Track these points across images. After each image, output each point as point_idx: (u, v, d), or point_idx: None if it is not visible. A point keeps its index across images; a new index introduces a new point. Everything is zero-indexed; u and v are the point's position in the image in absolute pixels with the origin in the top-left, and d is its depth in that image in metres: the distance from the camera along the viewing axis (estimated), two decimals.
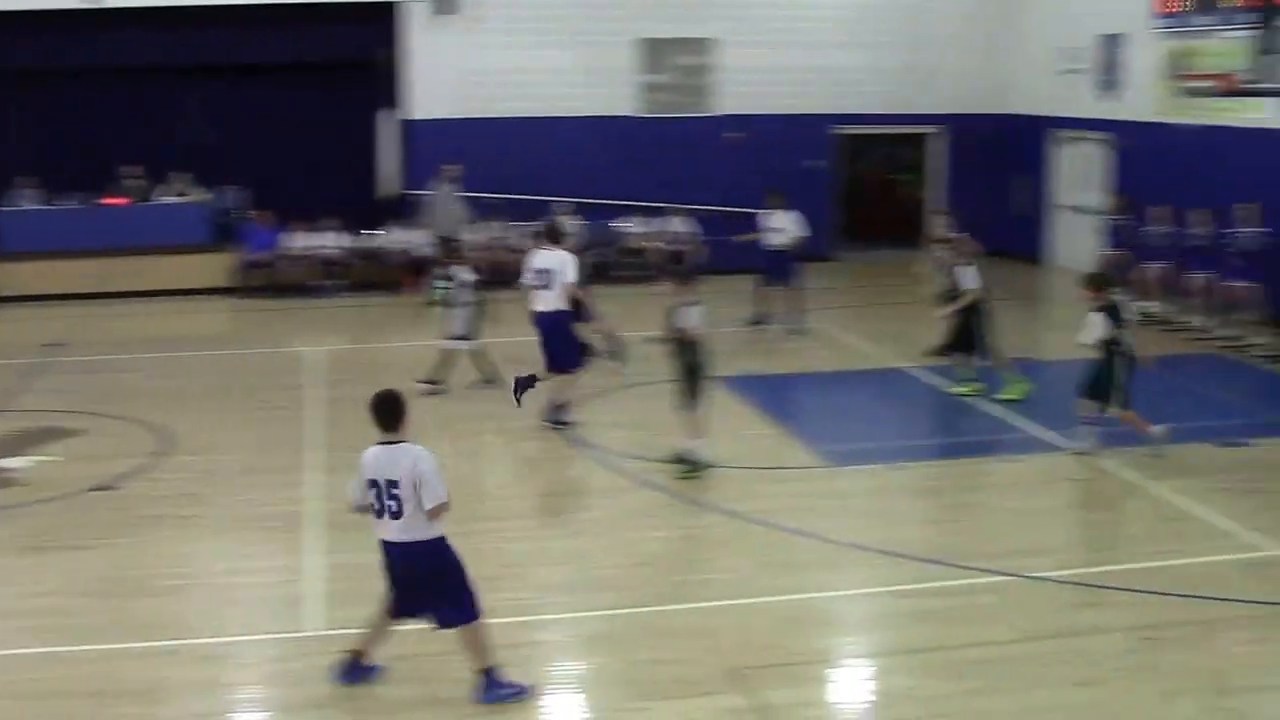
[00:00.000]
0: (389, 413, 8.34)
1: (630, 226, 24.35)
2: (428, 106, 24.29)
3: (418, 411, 9.16)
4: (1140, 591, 10.11)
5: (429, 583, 8.38)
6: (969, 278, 15.47)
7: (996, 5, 26.56)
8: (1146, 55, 22.38)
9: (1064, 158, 25.51)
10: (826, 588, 10.42)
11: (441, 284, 16.34)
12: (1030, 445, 14.02)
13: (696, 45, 25.28)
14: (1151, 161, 22.12)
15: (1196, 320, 19.37)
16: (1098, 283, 13.60)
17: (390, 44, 24.32)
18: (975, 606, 9.96)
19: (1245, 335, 18.50)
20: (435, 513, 8.20)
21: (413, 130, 24.39)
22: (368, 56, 24.14)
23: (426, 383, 15.78)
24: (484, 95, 24.40)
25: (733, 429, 14.37)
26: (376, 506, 8.25)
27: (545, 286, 14.50)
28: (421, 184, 23.98)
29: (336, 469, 12.93)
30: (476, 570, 8.64)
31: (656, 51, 25.14)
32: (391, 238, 23.61)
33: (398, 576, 8.46)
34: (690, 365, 12.79)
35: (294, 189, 23.61)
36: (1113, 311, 13.23)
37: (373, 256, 23.67)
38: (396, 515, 8.20)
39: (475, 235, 22.86)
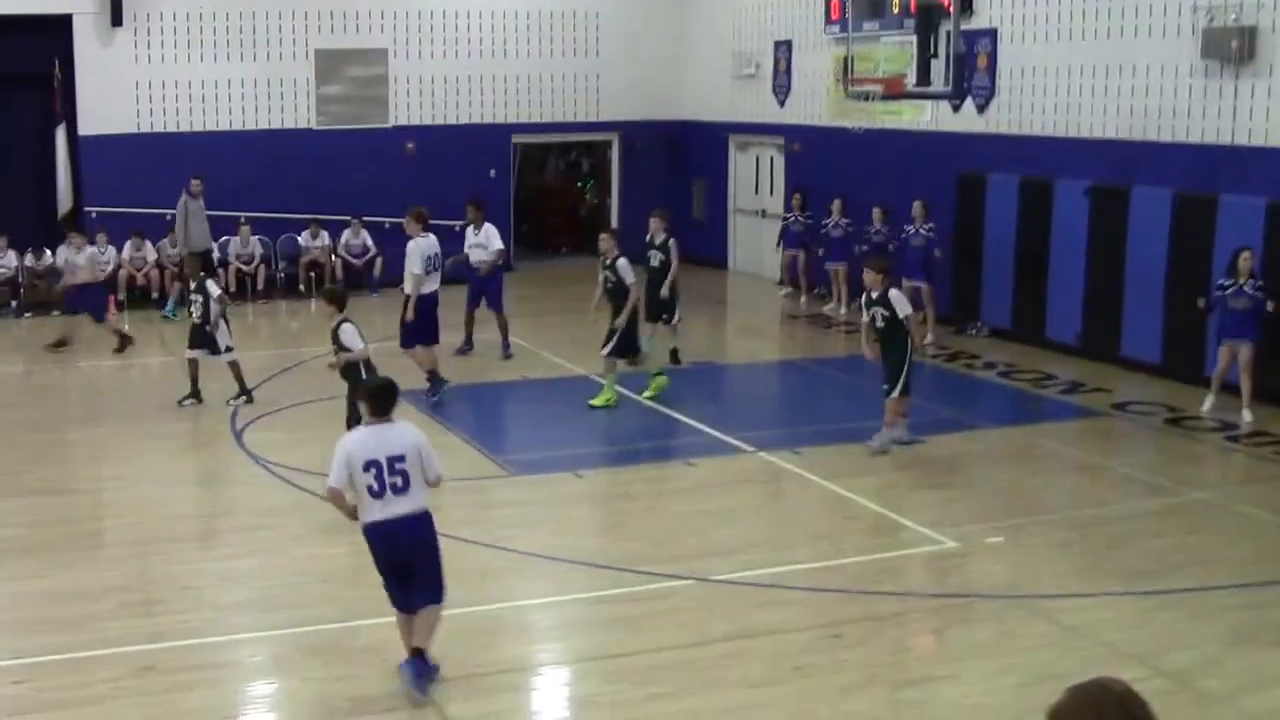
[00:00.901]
0: (390, 398, 8.45)
1: (311, 241, 23.46)
2: (101, 121, 22.98)
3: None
4: (820, 590, 10.01)
5: (430, 554, 8.39)
6: (629, 272, 15.30)
7: (671, 12, 26.71)
8: (818, 60, 22.79)
9: (741, 162, 25.80)
10: (509, 598, 10.09)
11: (196, 298, 15.64)
12: (713, 448, 13.90)
13: (370, 56, 24.63)
14: (825, 164, 22.52)
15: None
16: (882, 265, 13.74)
17: (66, 57, 22.88)
18: (658, 611, 9.71)
19: (921, 333, 18.86)
20: (437, 483, 8.42)
21: (86, 146, 23.02)
22: (43, 70, 22.66)
23: (191, 398, 15.62)
24: (158, 109, 23.35)
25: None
26: (376, 487, 8.19)
27: None
28: (98, 201, 22.78)
29: (10, 494, 12.58)
30: (151, 593, 8.51)
31: (331, 63, 24.38)
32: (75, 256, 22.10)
33: (400, 555, 8.33)
34: (354, 384, 12.36)
35: None
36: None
37: (49, 275, 22.10)
38: (403, 489, 8.21)
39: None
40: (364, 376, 12.20)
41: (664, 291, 16.77)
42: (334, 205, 23.72)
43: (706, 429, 14.58)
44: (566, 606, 10.00)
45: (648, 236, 17.33)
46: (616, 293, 15.32)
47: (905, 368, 13.36)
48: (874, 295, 13.48)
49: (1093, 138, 17.76)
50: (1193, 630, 9.38)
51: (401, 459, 8.22)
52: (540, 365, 17.78)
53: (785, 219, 22.88)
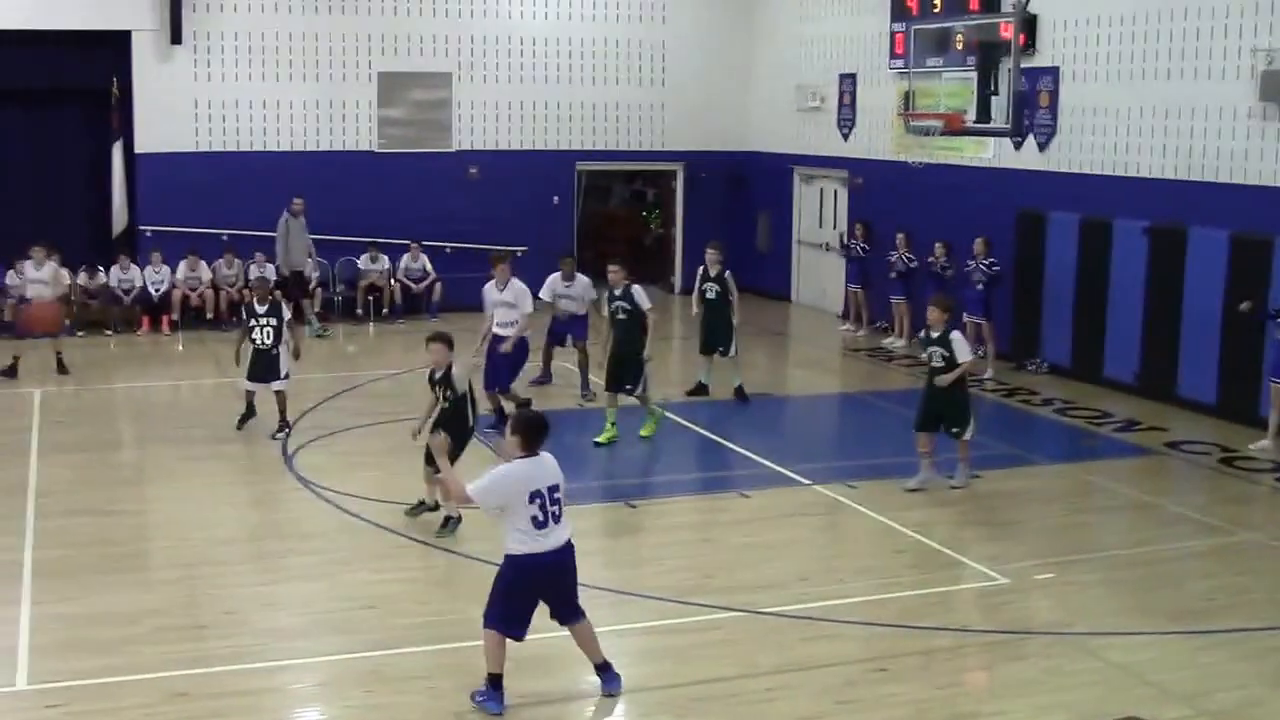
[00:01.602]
0: (542, 432, 8.59)
1: (370, 265, 23.80)
2: (158, 139, 23.35)
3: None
4: (868, 624, 10.17)
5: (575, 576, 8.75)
6: (645, 297, 15.52)
7: (736, 43, 26.97)
8: (882, 95, 22.99)
9: (805, 195, 26.00)
10: (552, 629, 10.13)
11: (268, 321, 15.48)
12: (768, 480, 14.09)
13: (434, 80, 24.98)
14: (887, 198, 22.70)
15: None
16: (948, 305, 13.81)
17: (125, 74, 23.29)
18: (706, 643, 9.86)
19: (981, 368, 19.02)
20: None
21: (143, 164, 23.40)
22: (101, 86, 23.09)
23: (248, 418, 15.65)
24: (216, 129, 23.71)
25: (469, 466, 14.11)
26: (540, 517, 8.41)
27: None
28: (153, 220, 23.20)
29: (54, 514, 12.57)
30: (192, 617, 8.40)
31: (394, 86, 24.74)
32: (125, 275, 22.60)
33: (561, 580, 8.64)
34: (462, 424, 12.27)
35: (19, 224, 22.13)
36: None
37: (103, 295, 22.55)
38: (559, 518, 8.49)
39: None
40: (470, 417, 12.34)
41: (734, 321, 17.19)
42: (393, 229, 24.01)
43: (762, 460, 14.77)
44: (615, 637, 9.93)
45: (702, 269, 17.59)
46: (629, 323, 15.34)
47: (968, 405, 13.59)
48: (934, 334, 13.50)
49: (1151, 177, 17.86)
50: (1238, 671, 9.48)
51: (556, 489, 8.52)
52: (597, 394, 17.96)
53: (847, 253, 23.08)
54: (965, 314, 19.24)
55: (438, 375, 12.25)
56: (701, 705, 8.85)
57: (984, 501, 13.52)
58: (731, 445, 15.49)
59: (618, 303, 15.42)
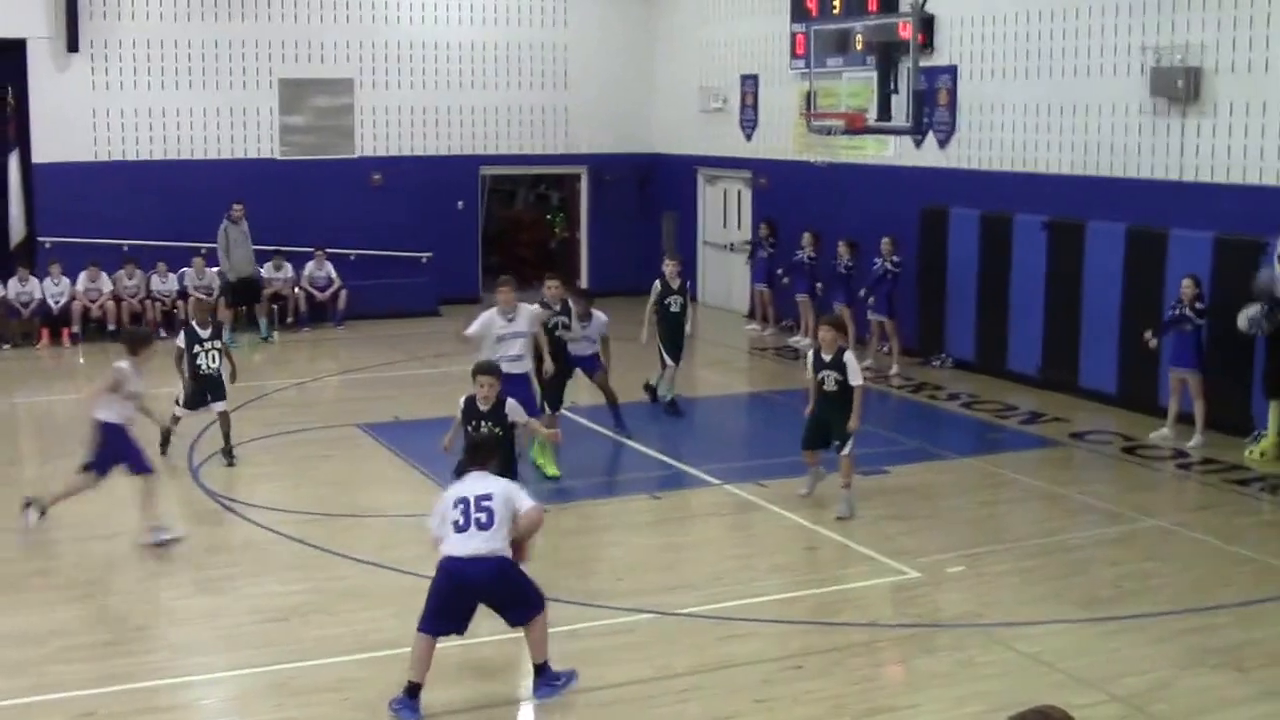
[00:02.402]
0: (479, 453, 9.18)
1: (275, 273, 23.55)
2: (56, 149, 23.00)
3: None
4: (782, 622, 10.22)
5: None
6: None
7: (639, 46, 27.04)
8: (784, 95, 23.14)
9: (709, 196, 26.11)
10: (471, 634, 9.93)
11: (213, 345, 14.66)
12: (679, 481, 14.14)
13: (336, 86, 24.83)
14: (791, 198, 22.85)
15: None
16: (841, 325, 13.46)
17: (20, 83, 22.91)
18: (620, 645, 9.86)
19: (886, 365, 19.22)
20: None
21: (40, 174, 23.02)
22: None
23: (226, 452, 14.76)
24: (116, 138, 23.43)
25: (377, 476, 14.07)
26: (461, 521, 8.65)
27: None
28: (52, 231, 22.81)
29: None
30: (99, 635, 8.12)
31: (296, 93, 24.57)
32: (24, 288, 22.20)
33: (485, 586, 8.75)
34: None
35: None
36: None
37: (1, 308, 22.07)
38: (485, 526, 8.66)
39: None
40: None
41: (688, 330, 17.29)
42: (298, 237, 23.80)
43: (673, 462, 14.82)
44: (521, 643, 9.87)
45: (662, 282, 17.35)
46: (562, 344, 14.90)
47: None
48: (826, 358, 12.71)
49: (1049, 173, 18.14)
50: (1146, 655, 9.63)
51: (488, 499, 8.72)
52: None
53: (752, 253, 23.20)
54: (870, 312, 19.47)
55: (485, 409, 11.45)
56: (616, 708, 8.83)
57: (894, 496, 13.63)
58: (641, 447, 15.50)
59: (558, 319, 14.87)
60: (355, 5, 24.84)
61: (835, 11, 21.39)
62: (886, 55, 17.25)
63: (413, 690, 8.59)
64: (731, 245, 25.18)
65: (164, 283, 22.78)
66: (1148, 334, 15.59)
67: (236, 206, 22.18)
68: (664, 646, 9.84)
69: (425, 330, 21.63)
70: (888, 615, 10.72)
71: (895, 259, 19.27)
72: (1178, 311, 15.21)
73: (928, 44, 19.28)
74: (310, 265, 23.80)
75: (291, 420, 16.41)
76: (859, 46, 19.72)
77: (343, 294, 23.74)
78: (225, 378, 14.86)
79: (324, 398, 18.17)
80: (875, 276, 19.42)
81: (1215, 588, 11.01)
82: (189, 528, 12.82)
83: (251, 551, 12.07)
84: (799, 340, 21.72)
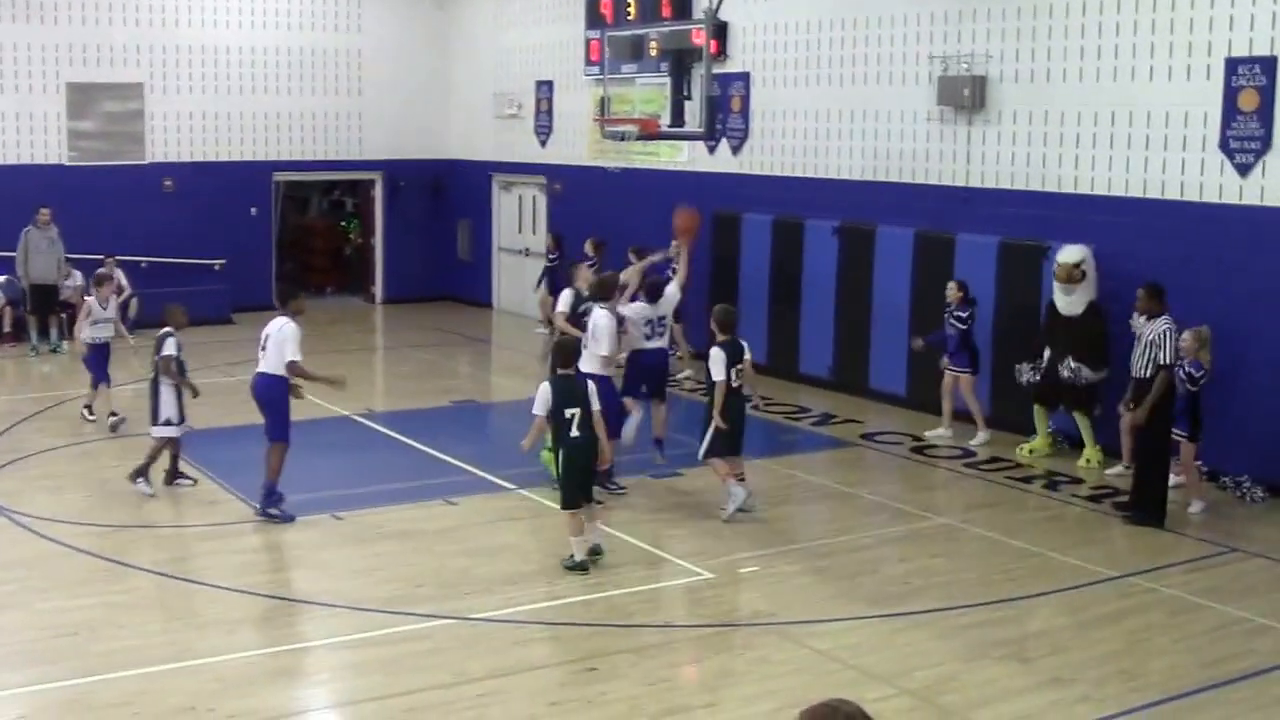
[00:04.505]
0: None
1: (64, 281, 22.61)
2: None
3: None
4: (578, 624, 10.19)
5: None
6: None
7: (434, 51, 26.84)
8: (579, 101, 23.16)
9: (504, 202, 26.01)
10: (266, 644, 9.93)
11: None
12: (474, 487, 14.00)
13: (126, 90, 24.13)
14: (586, 204, 22.87)
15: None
16: (727, 318, 13.29)
17: None
18: (417, 653, 9.70)
19: (676, 368, 19.28)
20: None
21: None
22: None
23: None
24: None
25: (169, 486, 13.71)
26: None
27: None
28: None
29: None
30: None
31: (84, 97, 23.80)
32: None
33: None
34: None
35: None
36: (733, 348, 13.01)
37: None
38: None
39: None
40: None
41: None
42: (87, 244, 22.95)
43: (468, 467, 14.67)
44: (323, 651, 9.87)
45: (575, 292, 15.25)
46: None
47: (706, 423, 13.10)
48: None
49: (840, 178, 18.47)
50: (933, 649, 9.84)
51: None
52: (301, 406, 17.52)
53: (545, 258, 23.14)
54: None
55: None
56: (415, 715, 8.68)
57: (687, 498, 13.71)
58: (436, 453, 15.33)
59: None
60: (145, 8, 24.19)
61: (630, 18, 21.43)
62: (680, 62, 17.35)
63: None
64: (526, 250, 25.10)
65: None
66: (916, 340, 16.03)
67: (42, 211, 21.48)
68: (461, 652, 9.72)
69: (219, 339, 21.05)
70: (682, 616, 10.76)
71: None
72: (945, 315, 15.67)
73: (721, 51, 19.49)
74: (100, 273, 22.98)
75: (82, 431, 15.87)
76: (653, 53, 19.74)
77: (133, 302, 22.98)
78: None
79: (116, 408, 17.55)
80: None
81: (999, 582, 11.30)
82: None
83: (40, 565, 11.58)
84: None
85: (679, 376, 18.84)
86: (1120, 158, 15.16)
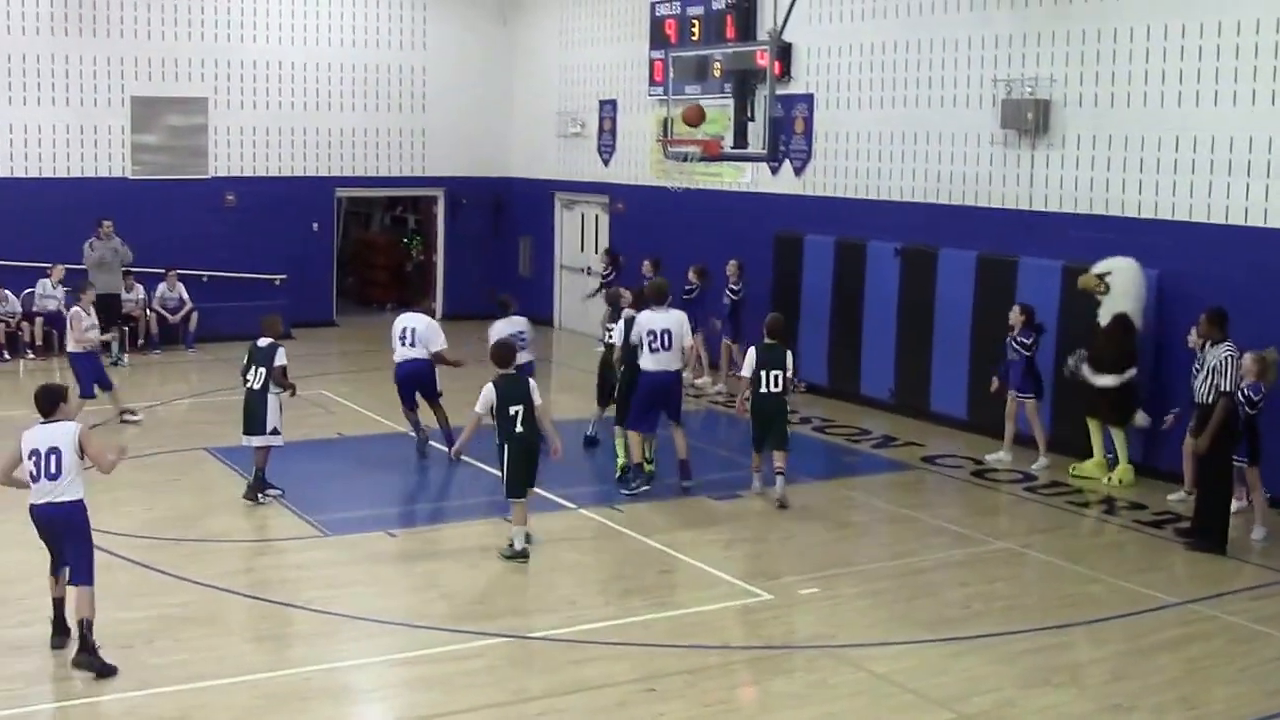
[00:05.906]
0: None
1: (126, 294, 22.92)
2: None
3: None
4: (636, 644, 10.20)
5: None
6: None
7: (498, 70, 26.98)
8: (642, 121, 23.24)
9: (566, 220, 26.12)
10: (321, 660, 9.97)
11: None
12: (533, 505, 13.91)
13: (190, 105, 24.41)
14: (648, 223, 22.92)
15: (691, 376, 19.93)
16: (773, 325, 14.43)
17: None
18: (473, 670, 9.74)
19: (736, 388, 19.26)
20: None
21: None
22: None
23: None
24: None
25: (225, 500, 13.81)
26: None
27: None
28: None
29: None
30: None
31: (148, 111, 24.09)
32: None
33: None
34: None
35: None
36: (772, 352, 14.16)
37: None
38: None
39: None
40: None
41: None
42: (149, 257, 23.23)
43: None
44: (380, 668, 9.88)
45: (624, 316, 15.42)
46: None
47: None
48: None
49: (902, 201, 18.44)
50: (992, 674, 9.79)
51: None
52: (359, 422, 17.69)
53: (603, 277, 23.18)
54: (724, 338, 19.63)
55: None
56: None
57: (747, 520, 13.71)
58: (495, 471, 15.28)
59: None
60: (210, 23, 24.47)
61: (694, 39, 21.56)
62: (744, 83, 17.42)
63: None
64: (588, 268, 25.19)
65: (4, 305, 22.12)
66: (994, 381, 15.95)
67: (105, 223, 21.81)
68: (519, 670, 9.77)
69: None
70: (740, 638, 10.76)
71: (736, 285, 19.45)
72: (1008, 340, 15.61)
73: (785, 72, 19.52)
74: (162, 287, 23.30)
75: (141, 443, 16.03)
76: (717, 74, 19.84)
77: (194, 316, 23.31)
78: None
79: (174, 420, 17.76)
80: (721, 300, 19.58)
81: (1059, 608, 11.23)
82: (29, 555, 12.43)
83: (96, 577, 11.66)
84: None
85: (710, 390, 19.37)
86: (1184, 182, 15.07)
